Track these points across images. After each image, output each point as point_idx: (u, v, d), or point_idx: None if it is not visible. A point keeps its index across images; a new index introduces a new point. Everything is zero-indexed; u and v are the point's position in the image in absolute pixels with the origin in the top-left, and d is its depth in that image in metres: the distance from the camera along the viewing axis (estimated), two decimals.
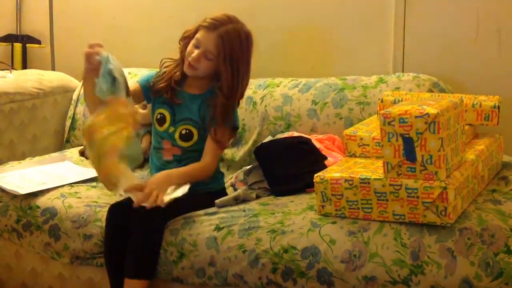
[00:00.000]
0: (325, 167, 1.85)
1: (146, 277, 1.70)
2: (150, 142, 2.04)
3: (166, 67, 1.93)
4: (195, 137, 1.87)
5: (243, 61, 1.83)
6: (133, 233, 1.70)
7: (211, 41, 1.79)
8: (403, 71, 2.40)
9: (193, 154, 1.88)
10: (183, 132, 1.88)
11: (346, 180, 1.60)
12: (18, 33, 3.10)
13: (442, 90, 2.20)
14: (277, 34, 2.60)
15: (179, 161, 1.88)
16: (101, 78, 1.66)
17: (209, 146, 1.85)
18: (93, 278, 1.88)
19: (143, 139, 2.40)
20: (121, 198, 1.80)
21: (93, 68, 1.68)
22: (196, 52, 1.80)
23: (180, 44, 1.89)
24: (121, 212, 1.76)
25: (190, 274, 1.71)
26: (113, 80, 1.66)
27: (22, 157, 2.46)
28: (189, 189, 1.74)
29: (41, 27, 3.08)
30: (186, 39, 1.86)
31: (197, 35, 1.82)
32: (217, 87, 1.83)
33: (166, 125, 1.89)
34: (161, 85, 1.89)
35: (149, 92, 1.91)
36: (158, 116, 1.91)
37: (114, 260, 1.75)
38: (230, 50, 1.79)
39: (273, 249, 1.62)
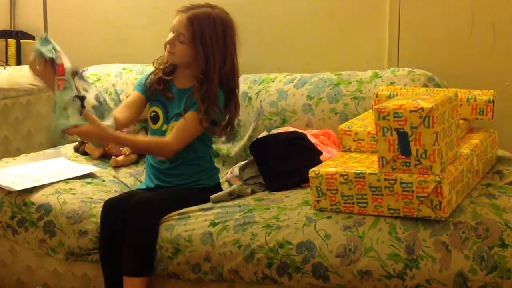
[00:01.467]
0: (320, 162, 1.85)
1: (145, 274, 1.70)
2: None
3: (158, 64, 1.93)
4: None
5: (218, 48, 1.81)
6: (128, 230, 1.70)
7: (183, 23, 1.80)
8: (398, 66, 2.40)
9: (187, 154, 1.87)
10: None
11: (341, 175, 1.60)
12: (12, 29, 3.09)
13: (437, 85, 2.20)
14: (272, 29, 2.59)
15: (172, 160, 1.88)
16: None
17: (176, 125, 1.84)
18: (88, 274, 1.88)
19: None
20: (116, 194, 1.81)
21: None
22: (169, 37, 1.82)
23: None
24: (115, 209, 1.75)
25: (186, 270, 1.71)
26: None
27: (17, 153, 2.45)
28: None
29: (35, 23, 3.06)
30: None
31: (173, 21, 1.84)
32: (194, 73, 1.83)
33: (160, 123, 1.90)
34: (154, 79, 1.90)
35: (147, 93, 1.92)
36: (152, 114, 1.91)
37: (109, 256, 1.75)
38: (201, 32, 1.79)
39: (268, 244, 1.62)
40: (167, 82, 1.89)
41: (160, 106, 1.90)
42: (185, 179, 1.89)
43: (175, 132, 1.81)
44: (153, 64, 1.95)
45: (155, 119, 1.90)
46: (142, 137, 1.84)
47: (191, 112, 1.82)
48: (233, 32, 1.86)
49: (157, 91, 1.90)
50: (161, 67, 1.91)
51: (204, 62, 1.81)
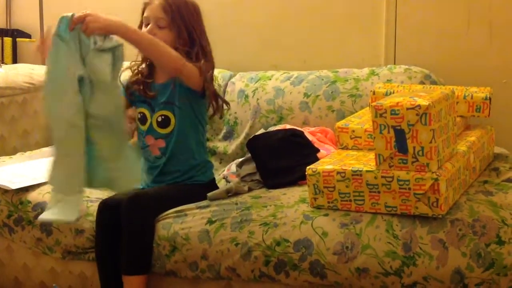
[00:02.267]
0: (317, 159, 1.85)
1: (143, 272, 1.70)
2: None
3: (132, 66, 1.92)
4: (173, 121, 1.85)
5: (195, 22, 1.83)
6: (125, 229, 1.70)
7: (157, 9, 1.81)
8: (394, 64, 2.40)
9: (177, 144, 1.86)
10: (159, 119, 1.87)
11: (338, 173, 1.60)
12: (8, 28, 3.08)
13: (434, 82, 2.20)
14: (269, 27, 2.59)
15: (166, 155, 1.87)
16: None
17: None
18: (85, 273, 1.87)
19: (134, 134, 2.39)
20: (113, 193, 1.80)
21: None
22: (148, 27, 1.81)
23: None
24: (111, 207, 1.75)
25: (183, 268, 1.71)
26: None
27: (13, 152, 2.45)
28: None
29: (31, 21, 3.06)
30: None
31: (144, 15, 1.84)
32: (177, 49, 1.80)
33: (148, 123, 1.89)
34: (132, 80, 1.89)
35: (126, 94, 1.91)
36: (139, 116, 1.91)
37: (105, 255, 1.75)
38: (178, 10, 1.80)
39: (265, 242, 1.62)
40: (147, 83, 1.88)
41: (146, 106, 1.89)
42: (180, 176, 1.88)
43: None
44: (131, 69, 1.92)
45: (143, 120, 1.90)
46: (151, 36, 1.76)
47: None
48: (199, 10, 1.88)
49: (137, 91, 1.89)
50: (139, 68, 1.89)
51: (187, 36, 1.82)
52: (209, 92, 1.85)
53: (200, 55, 1.83)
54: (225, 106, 1.97)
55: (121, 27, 1.62)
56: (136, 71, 1.91)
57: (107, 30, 1.59)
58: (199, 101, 1.88)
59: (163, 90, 1.87)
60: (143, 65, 1.91)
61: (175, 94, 1.84)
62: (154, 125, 1.87)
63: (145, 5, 1.85)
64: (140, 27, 1.86)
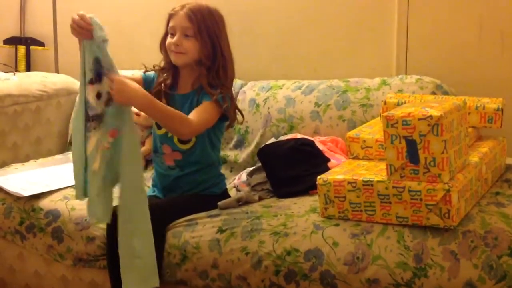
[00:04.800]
0: (328, 169, 1.85)
1: None
2: None
3: (156, 70, 1.92)
4: (193, 139, 1.86)
5: (221, 36, 1.84)
6: None
7: (183, 18, 1.81)
8: (406, 73, 2.40)
9: (194, 159, 1.86)
10: None
11: (349, 182, 1.60)
12: (22, 36, 3.11)
13: (445, 93, 2.19)
14: (280, 36, 2.60)
15: (181, 168, 1.87)
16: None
17: (195, 109, 1.79)
18: (96, 280, 1.88)
19: (146, 141, 2.41)
20: None
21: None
22: (175, 37, 1.82)
23: (161, 53, 1.90)
24: None
25: (194, 277, 1.71)
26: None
27: (26, 159, 2.47)
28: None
29: (45, 30, 3.09)
30: (163, 43, 1.88)
31: (169, 25, 1.85)
32: (200, 62, 1.82)
33: (164, 131, 1.88)
34: (153, 92, 1.87)
35: (149, 88, 1.89)
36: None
37: (116, 263, 1.75)
38: (203, 21, 1.81)
39: (276, 251, 1.62)
40: (168, 94, 1.88)
41: None
42: (192, 188, 1.88)
43: (196, 113, 1.76)
44: (158, 75, 1.92)
45: (159, 126, 1.90)
46: (166, 107, 1.73)
47: (204, 102, 1.80)
48: (224, 20, 1.89)
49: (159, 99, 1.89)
50: (166, 83, 1.88)
51: (211, 48, 1.82)
52: (230, 113, 1.85)
53: (220, 72, 1.83)
54: (239, 119, 1.95)
55: (145, 104, 1.62)
56: (159, 83, 1.89)
57: (129, 104, 1.60)
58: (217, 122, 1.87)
59: (183, 101, 1.86)
60: (165, 75, 1.90)
61: (200, 100, 1.83)
62: (175, 139, 1.86)
63: (170, 16, 1.86)
64: (165, 37, 1.87)
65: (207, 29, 1.82)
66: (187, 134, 1.78)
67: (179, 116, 1.70)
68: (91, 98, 1.62)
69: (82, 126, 1.64)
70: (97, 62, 1.60)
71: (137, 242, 1.56)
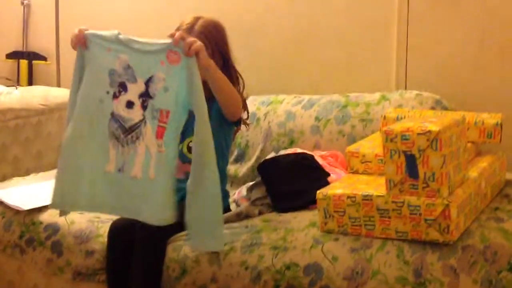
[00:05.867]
0: (327, 183, 1.85)
1: None
2: None
3: None
4: None
5: (226, 47, 1.89)
6: (137, 251, 1.70)
7: (197, 37, 1.82)
8: (406, 88, 2.41)
9: None
10: (190, 144, 1.87)
11: (348, 197, 1.60)
12: (24, 50, 3.13)
13: (445, 108, 2.20)
14: (280, 51, 2.62)
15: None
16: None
17: None
18: None
19: None
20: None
21: None
22: None
23: None
24: (123, 228, 1.76)
25: None
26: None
27: (27, 172, 2.47)
28: None
29: (47, 44, 3.11)
30: None
31: None
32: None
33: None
34: None
35: None
36: None
37: (116, 276, 1.75)
38: (210, 32, 1.85)
39: (275, 266, 1.61)
40: None
41: None
42: None
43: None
44: None
45: None
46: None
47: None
48: (225, 32, 1.94)
49: None
50: None
51: (221, 58, 1.87)
52: (243, 120, 1.89)
53: (238, 79, 1.90)
54: (244, 127, 1.98)
55: (213, 65, 1.65)
56: None
57: (207, 63, 1.60)
58: (230, 126, 1.89)
59: (193, 115, 1.87)
60: None
61: (210, 117, 1.85)
62: (185, 149, 1.85)
63: (178, 29, 1.87)
64: None
65: (214, 40, 1.86)
66: (237, 112, 1.81)
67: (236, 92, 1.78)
68: (122, 111, 1.61)
69: (105, 138, 1.62)
70: (113, 73, 1.60)
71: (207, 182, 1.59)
